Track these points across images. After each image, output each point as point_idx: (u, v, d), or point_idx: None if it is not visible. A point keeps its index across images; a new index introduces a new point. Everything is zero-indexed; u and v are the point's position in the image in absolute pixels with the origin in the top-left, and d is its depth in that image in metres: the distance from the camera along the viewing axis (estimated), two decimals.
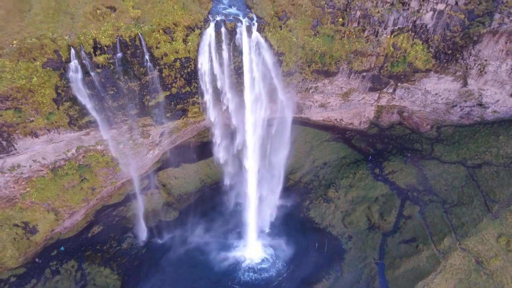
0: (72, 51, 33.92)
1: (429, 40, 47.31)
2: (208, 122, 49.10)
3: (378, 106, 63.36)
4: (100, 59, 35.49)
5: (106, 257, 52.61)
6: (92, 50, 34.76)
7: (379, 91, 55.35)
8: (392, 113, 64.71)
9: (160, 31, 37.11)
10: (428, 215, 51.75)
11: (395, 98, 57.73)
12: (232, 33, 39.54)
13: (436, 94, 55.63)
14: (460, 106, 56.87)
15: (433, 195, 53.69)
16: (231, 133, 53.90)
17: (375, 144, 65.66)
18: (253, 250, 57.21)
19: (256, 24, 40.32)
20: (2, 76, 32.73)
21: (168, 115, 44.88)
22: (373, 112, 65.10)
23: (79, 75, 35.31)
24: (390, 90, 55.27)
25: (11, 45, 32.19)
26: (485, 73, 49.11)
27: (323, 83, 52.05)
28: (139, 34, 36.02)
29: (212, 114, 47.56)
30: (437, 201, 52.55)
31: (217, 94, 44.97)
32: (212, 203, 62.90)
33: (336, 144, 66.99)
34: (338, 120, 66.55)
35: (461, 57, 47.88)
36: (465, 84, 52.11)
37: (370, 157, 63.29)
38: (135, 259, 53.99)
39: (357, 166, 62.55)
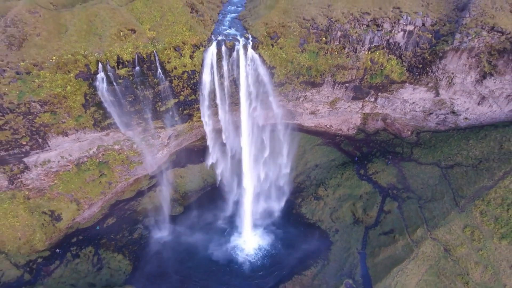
0: (100, 65, 40.93)
1: (402, 55, 54.12)
2: (208, 126, 55.79)
3: (364, 113, 70.18)
4: (122, 71, 42.39)
5: (119, 245, 59.09)
6: (115, 64, 41.71)
7: (362, 100, 62.20)
8: (377, 120, 71.45)
9: (171, 48, 43.90)
10: (405, 210, 57.65)
11: (377, 106, 64.46)
12: (231, 50, 46.34)
13: (413, 103, 62.23)
14: (436, 114, 63.36)
15: (410, 193, 59.68)
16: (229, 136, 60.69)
17: (361, 148, 72.22)
18: (249, 242, 62.95)
19: (251, 42, 47.34)
20: (43, 85, 39.99)
21: (176, 119, 51.60)
22: (359, 119, 71.85)
23: (105, 84, 42.30)
24: (372, 99, 62.02)
25: (50, 60, 39.30)
26: (453, 84, 55.65)
27: (311, 93, 58.80)
28: (154, 51, 42.89)
29: (211, 120, 54.26)
30: (414, 198, 58.38)
31: (217, 101, 51.78)
32: (213, 200, 69.07)
33: (327, 148, 73.59)
34: (328, 126, 73.38)
35: (430, 71, 54.67)
36: (437, 94, 58.73)
37: (356, 158, 69.76)
38: (144, 247, 60.40)
39: (345, 168, 68.96)
